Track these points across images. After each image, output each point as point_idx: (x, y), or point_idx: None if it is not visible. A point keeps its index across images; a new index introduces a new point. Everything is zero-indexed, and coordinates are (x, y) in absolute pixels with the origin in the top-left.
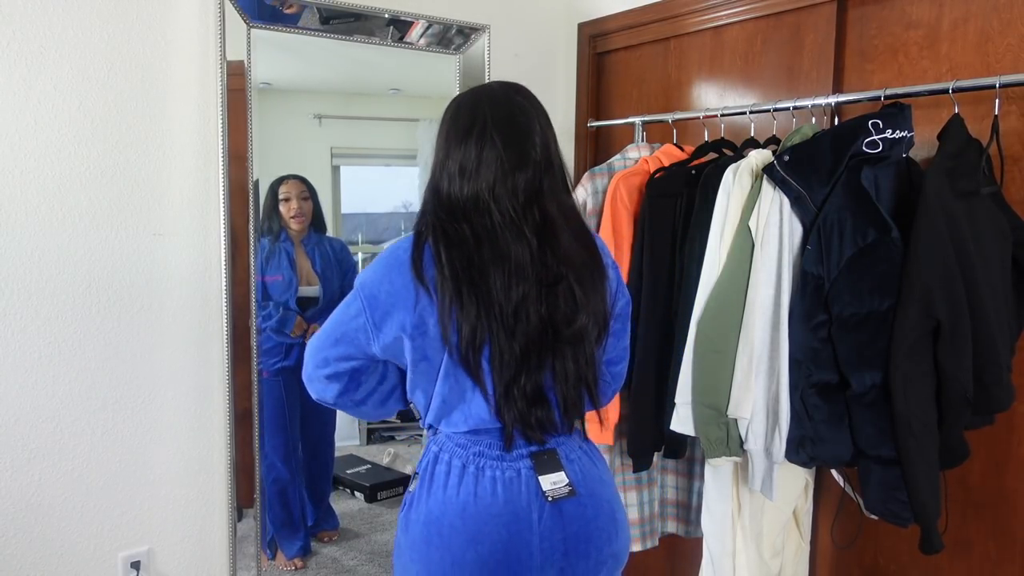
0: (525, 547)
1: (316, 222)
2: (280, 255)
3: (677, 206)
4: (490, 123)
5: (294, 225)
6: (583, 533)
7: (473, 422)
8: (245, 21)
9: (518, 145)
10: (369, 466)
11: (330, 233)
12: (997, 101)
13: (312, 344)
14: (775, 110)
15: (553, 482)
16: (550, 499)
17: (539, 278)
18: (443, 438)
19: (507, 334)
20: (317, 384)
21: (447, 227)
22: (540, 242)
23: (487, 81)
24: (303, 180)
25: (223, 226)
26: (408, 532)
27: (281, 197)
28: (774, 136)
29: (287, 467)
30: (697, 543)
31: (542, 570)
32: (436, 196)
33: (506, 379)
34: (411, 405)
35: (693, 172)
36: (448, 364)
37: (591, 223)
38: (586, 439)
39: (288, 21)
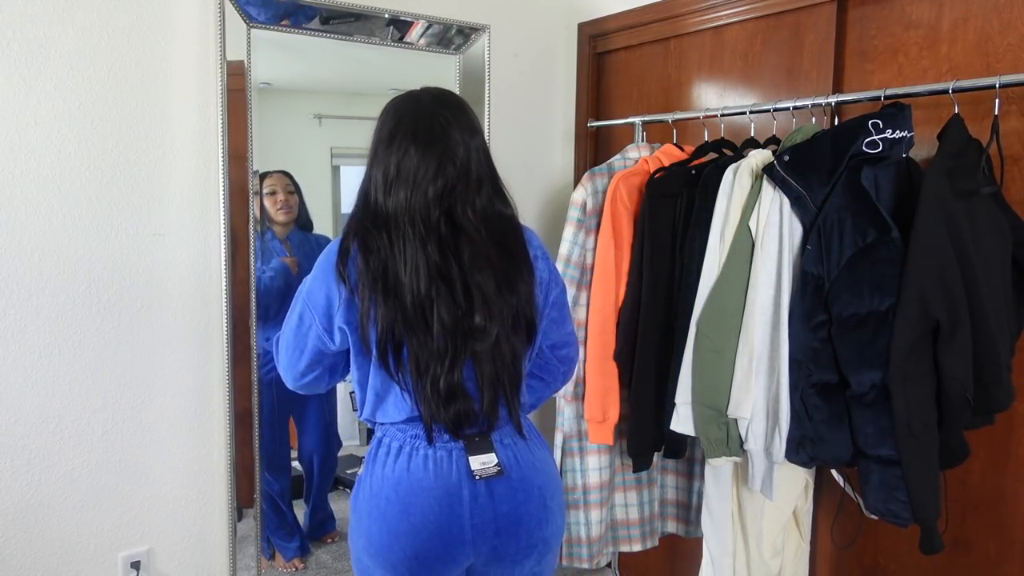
0: (456, 521)
1: (301, 219)
2: (268, 253)
3: (677, 206)
4: (409, 133)
5: (280, 218)
6: (513, 515)
7: (404, 413)
8: (245, 21)
9: (435, 155)
10: None
11: (328, 234)
12: (997, 101)
13: (281, 362)
14: (775, 110)
15: (482, 462)
16: (478, 478)
17: (447, 284)
18: (387, 426)
19: (422, 334)
20: (305, 390)
21: (367, 236)
22: (444, 251)
23: (422, 87)
24: (287, 175)
25: (223, 226)
26: (355, 510)
27: (266, 191)
28: (774, 136)
29: (273, 474)
30: (697, 543)
31: (475, 545)
32: (364, 202)
33: (423, 376)
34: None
35: (693, 172)
36: (376, 360)
37: (591, 223)
38: (521, 431)
39: (288, 21)
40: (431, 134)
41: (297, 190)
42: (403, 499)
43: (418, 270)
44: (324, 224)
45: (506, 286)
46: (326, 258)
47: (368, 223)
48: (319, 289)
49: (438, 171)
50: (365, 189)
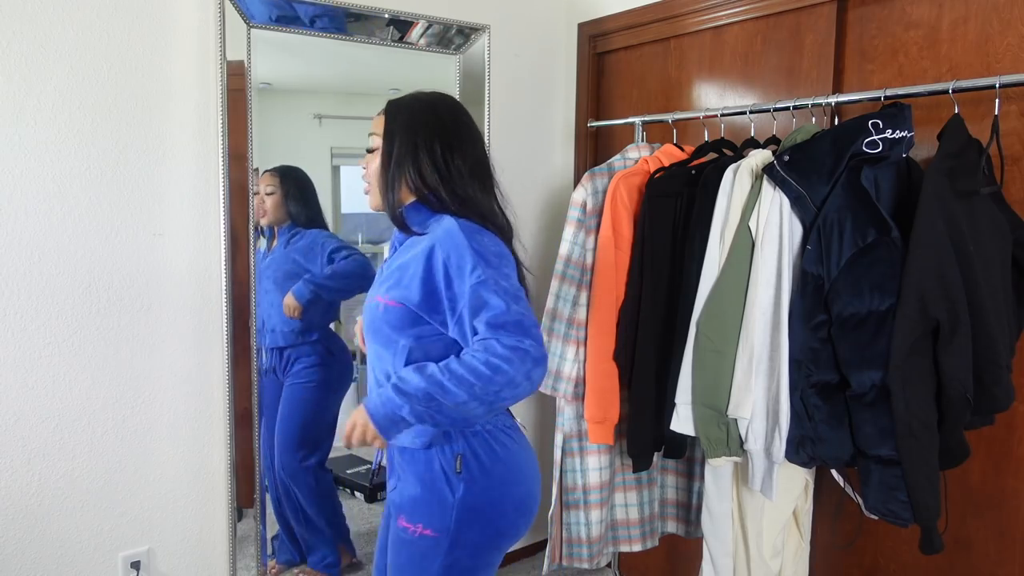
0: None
1: (295, 217)
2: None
3: (677, 206)
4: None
5: (259, 218)
6: None
7: None
8: (245, 21)
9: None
10: (369, 466)
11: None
12: (997, 101)
13: (531, 329)
14: (775, 110)
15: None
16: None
17: None
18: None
19: None
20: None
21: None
22: None
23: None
24: (275, 173)
25: (223, 226)
26: (512, 467)
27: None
28: (774, 136)
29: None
30: (697, 543)
31: None
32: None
33: None
34: None
35: (693, 172)
36: None
37: (591, 223)
38: None
39: (288, 21)
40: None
41: (285, 190)
42: (534, 467)
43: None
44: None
45: None
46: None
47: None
48: (509, 264)
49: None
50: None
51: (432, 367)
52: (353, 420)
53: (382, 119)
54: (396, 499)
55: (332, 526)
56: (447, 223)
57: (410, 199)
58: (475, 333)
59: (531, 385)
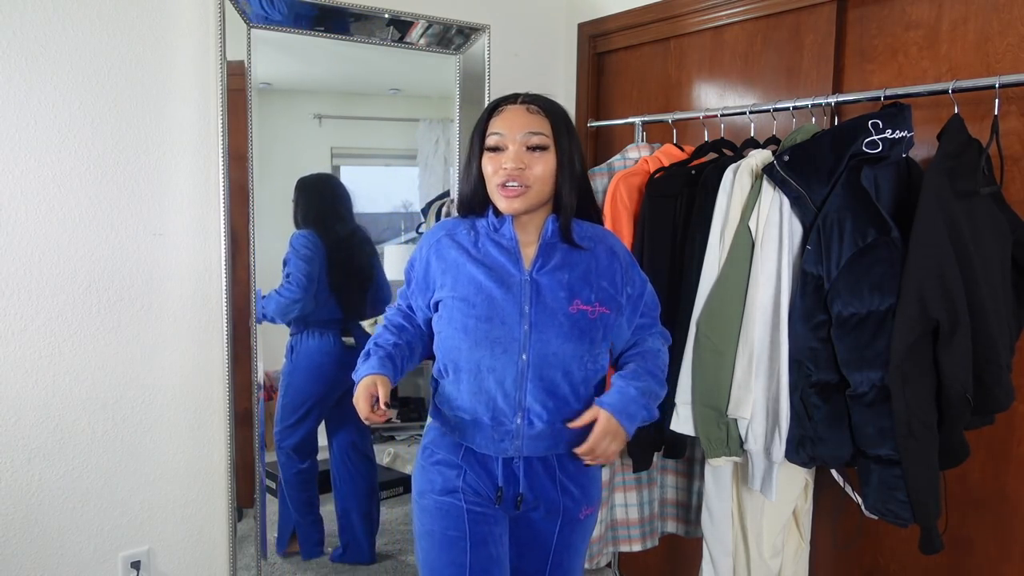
0: None
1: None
2: None
3: (677, 206)
4: None
5: None
6: None
7: None
8: (245, 21)
9: None
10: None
11: None
12: (997, 101)
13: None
14: (775, 110)
15: None
16: None
17: None
18: None
19: None
20: None
21: None
22: None
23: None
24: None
25: (223, 226)
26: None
27: None
28: (774, 136)
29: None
30: (697, 543)
31: None
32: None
33: None
34: None
35: (693, 172)
36: None
37: None
38: None
39: (288, 21)
40: None
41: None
42: None
43: None
44: None
45: None
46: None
47: None
48: None
49: None
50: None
51: (647, 365)
52: (604, 432)
53: (542, 118)
54: (576, 497)
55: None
56: (600, 228)
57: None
58: (639, 326)
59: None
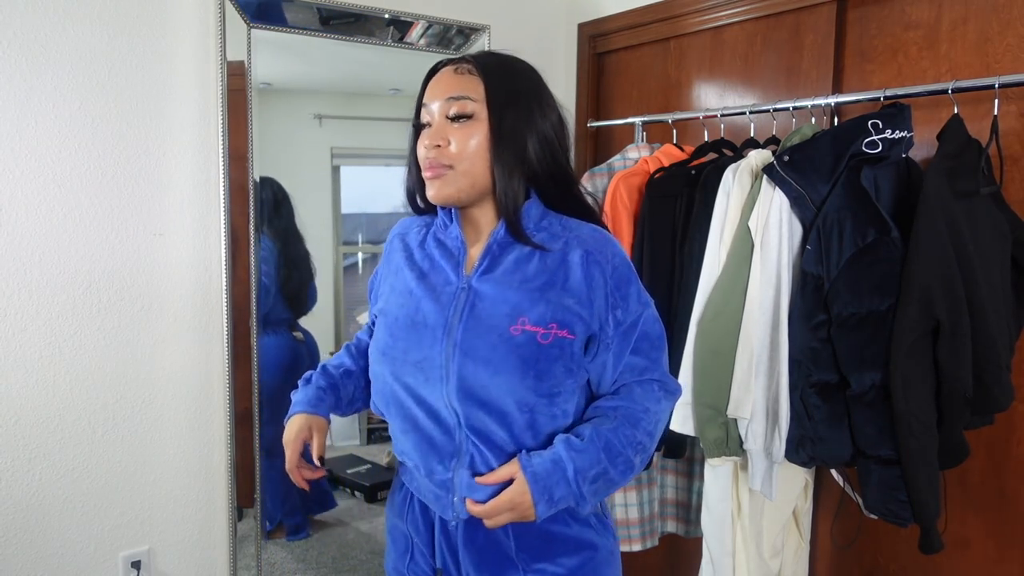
0: None
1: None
2: None
3: (677, 206)
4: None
5: None
6: None
7: None
8: (245, 21)
9: None
10: (369, 466)
11: (328, 234)
12: (996, 101)
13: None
14: (775, 110)
15: None
16: None
17: None
18: None
19: None
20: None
21: None
22: None
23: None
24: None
25: (223, 226)
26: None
27: None
28: (774, 136)
29: None
30: (697, 543)
31: None
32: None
33: None
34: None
35: (693, 172)
36: None
37: None
38: None
39: (288, 21)
40: None
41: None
42: None
43: None
44: (324, 224)
45: None
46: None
47: None
48: None
49: None
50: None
51: (612, 435)
52: (509, 505)
53: (472, 79)
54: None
55: None
56: (591, 228)
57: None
58: (629, 366)
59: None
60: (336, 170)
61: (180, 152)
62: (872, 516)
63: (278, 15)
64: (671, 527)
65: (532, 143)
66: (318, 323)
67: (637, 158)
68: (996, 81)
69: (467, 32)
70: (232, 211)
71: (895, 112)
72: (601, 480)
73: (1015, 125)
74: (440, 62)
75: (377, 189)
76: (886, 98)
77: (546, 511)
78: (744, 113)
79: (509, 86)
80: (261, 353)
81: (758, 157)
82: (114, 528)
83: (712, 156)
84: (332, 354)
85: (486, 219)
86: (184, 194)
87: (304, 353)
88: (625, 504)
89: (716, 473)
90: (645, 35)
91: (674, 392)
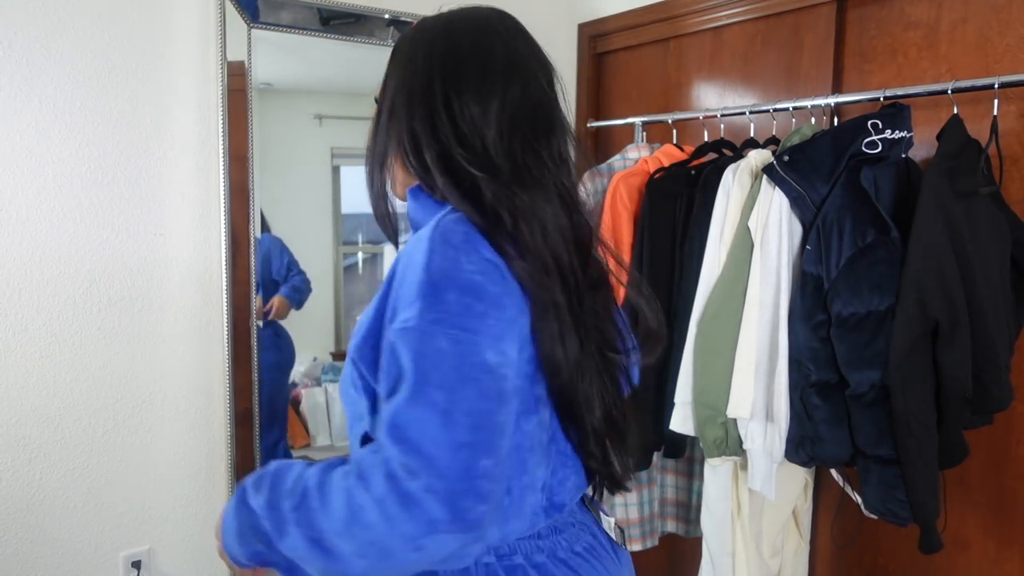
0: None
1: None
2: None
3: (677, 206)
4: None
5: None
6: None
7: (579, 491)
8: (245, 21)
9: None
10: None
11: (328, 234)
12: (996, 101)
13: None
14: (775, 110)
15: (610, 526)
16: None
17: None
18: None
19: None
20: (470, 532)
21: (513, 197)
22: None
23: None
24: None
25: (223, 226)
26: None
27: None
28: (774, 136)
29: None
30: (697, 543)
31: None
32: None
33: (594, 414)
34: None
35: (693, 172)
36: (550, 414)
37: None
38: None
39: (288, 21)
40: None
41: None
42: None
43: (564, 236)
44: (324, 224)
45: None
46: (480, 256)
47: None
48: (498, 312)
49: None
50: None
51: (288, 499)
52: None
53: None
54: None
55: None
56: (432, 224)
57: (410, 183)
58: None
59: (416, 556)
60: (336, 170)
61: (180, 152)
62: (872, 516)
63: (278, 15)
64: (671, 527)
65: (405, 124)
66: (318, 323)
67: (637, 158)
68: (996, 81)
69: None
70: (232, 211)
71: (895, 112)
72: (249, 534)
73: (1015, 125)
74: None
75: None
76: (886, 98)
77: (228, 544)
78: (744, 113)
79: (398, 60)
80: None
81: (758, 157)
82: (114, 528)
83: (712, 156)
84: (332, 355)
85: None
86: (184, 194)
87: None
88: (625, 504)
89: (716, 473)
90: (645, 35)
91: (370, 486)
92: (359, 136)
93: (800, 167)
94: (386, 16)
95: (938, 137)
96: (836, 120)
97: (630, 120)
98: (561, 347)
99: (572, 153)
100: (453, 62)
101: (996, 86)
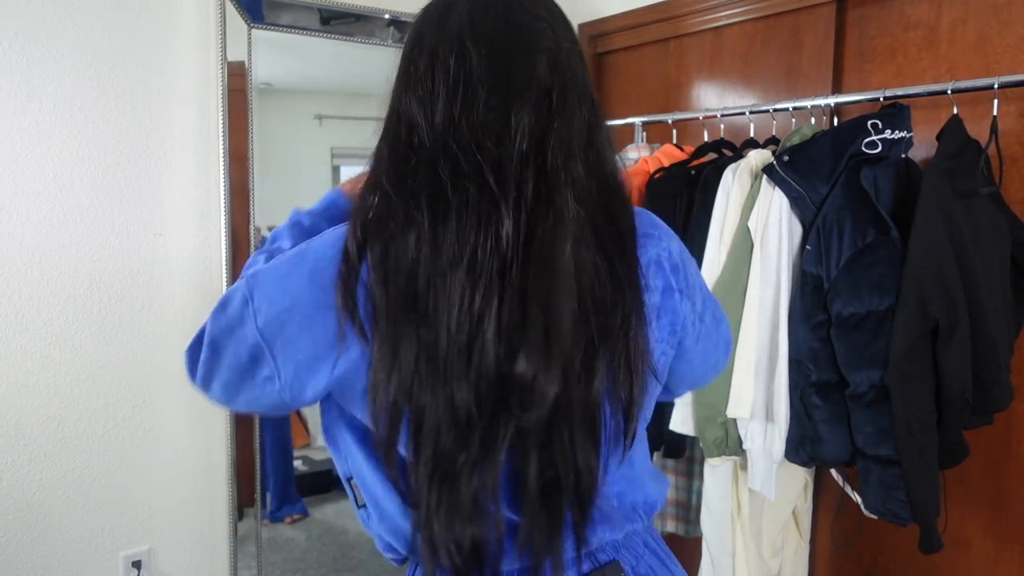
0: None
1: None
2: None
3: (677, 206)
4: (469, 26)
5: None
6: None
7: (404, 540)
8: (246, 21)
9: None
10: None
11: None
12: (996, 101)
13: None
14: (774, 110)
15: None
16: None
17: (499, 293)
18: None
19: (445, 396)
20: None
21: (390, 214)
22: (524, 229)
23: None
24: None
25: (223, 226)
26: None
27: None
28: (774, 136)
29: None
30: (697, 543)
31: None
32: (392, 154)
33: (439, 473)
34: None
35: (693, 172)
36: (374, 449)
37: None
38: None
39: (288, 21)
40: (509, 29)
41: None
42: None
43: (475, 267)
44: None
45: (597, 305)
46: (315, 265)
47: (396, 189)
48: (302, 323)
49: (523, 90)
50: (395, 136)
51: None
52: None
53: None
54: None
55: None
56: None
57: None
58: None
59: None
60: (336, 170)
61: (180, 152)
62: (872, 516)
63: (278, 15)
64: (671, 527)
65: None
66: None
67: (637, 158)
68: (995, 81)
69: None
70: (232, 211)
71: (895, 112)
72: None
73: (1014, 125)
74: None
75: None
76: (886, 98)
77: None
78: (744, 113)
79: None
80: None
81: (758, 157)
82: (115, 528)
83: (712, 156)
84: None
85: None
86: (184, 194)
87: None
88: None
89: (716, 473)
90: (645, 35)
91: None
92: (359, 136)
93: (800, 167)
94: (386, 16)
95: (938, 137)
96: (836, 120)
97: (630, 120)
98: None
99: None
100: (413, 43)
101: (996, 86)
